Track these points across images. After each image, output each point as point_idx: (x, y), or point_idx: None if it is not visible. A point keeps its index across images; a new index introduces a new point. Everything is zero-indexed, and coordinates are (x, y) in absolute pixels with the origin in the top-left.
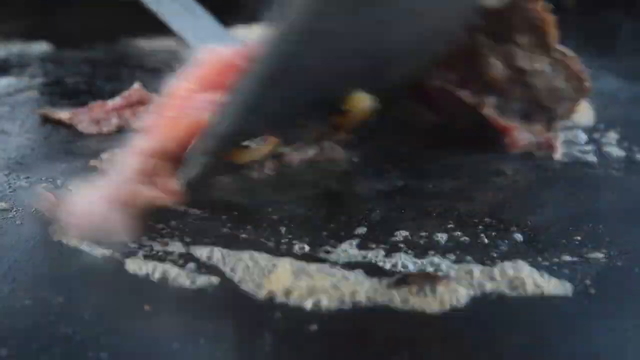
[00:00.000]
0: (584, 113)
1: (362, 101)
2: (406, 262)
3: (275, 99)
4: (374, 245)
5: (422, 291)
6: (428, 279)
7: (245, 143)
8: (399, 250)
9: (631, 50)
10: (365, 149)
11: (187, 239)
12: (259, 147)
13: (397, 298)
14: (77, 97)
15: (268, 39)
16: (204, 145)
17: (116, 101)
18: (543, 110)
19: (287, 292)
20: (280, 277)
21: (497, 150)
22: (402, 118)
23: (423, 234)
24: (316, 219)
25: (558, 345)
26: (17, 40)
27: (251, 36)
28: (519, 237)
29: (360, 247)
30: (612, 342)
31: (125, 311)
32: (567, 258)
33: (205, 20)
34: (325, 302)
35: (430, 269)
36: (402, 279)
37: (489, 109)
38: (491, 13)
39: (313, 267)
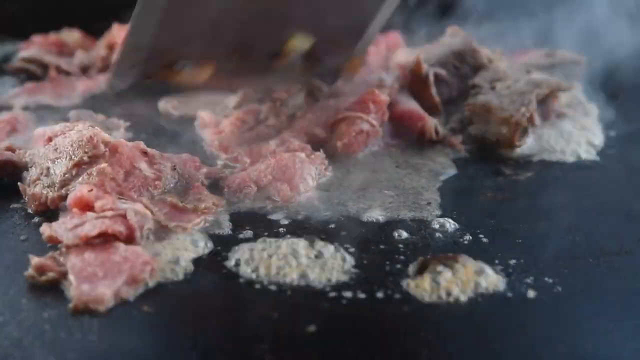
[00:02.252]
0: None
1: (301, 43)
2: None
3: (187, 16)
4: (374, 245)
5: (445, 270)
6: (448, 260)
7: (180, 66)
8: (399, 250)
9: None
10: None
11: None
12: (194, 72)
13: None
14: None
15: None
16: (129, 58)
17: None
18: None
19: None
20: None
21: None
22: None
23: (423, 232)
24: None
25: (556, 343)
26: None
27: None
28: (517, 237)
29: (361, 246)
30: (611, 341)
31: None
32: (565, 258)
33: None
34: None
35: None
36: (424, 264)
37: None
38: None
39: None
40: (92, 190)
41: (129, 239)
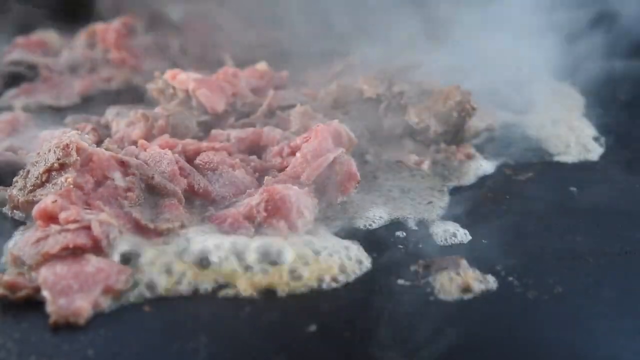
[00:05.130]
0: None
1: None
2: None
3: None
4: (375, 245)
5: (448, 272)
6: (451, 262)
7: None
8: (399, 250)
9: None
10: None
11: None
12: None
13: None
14: None
15: None
16: None
17: None
18: None
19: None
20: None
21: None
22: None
23: (423, 232)
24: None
25: (556, 343)
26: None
27: None
28: (517, 237)
29: (362, 246)
30: (612, 341)
31: None
32: (565, 258)
33: None
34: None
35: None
36: (428, 265)
37: None
38: None
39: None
40: (56, 201)
41: (96, 250)
